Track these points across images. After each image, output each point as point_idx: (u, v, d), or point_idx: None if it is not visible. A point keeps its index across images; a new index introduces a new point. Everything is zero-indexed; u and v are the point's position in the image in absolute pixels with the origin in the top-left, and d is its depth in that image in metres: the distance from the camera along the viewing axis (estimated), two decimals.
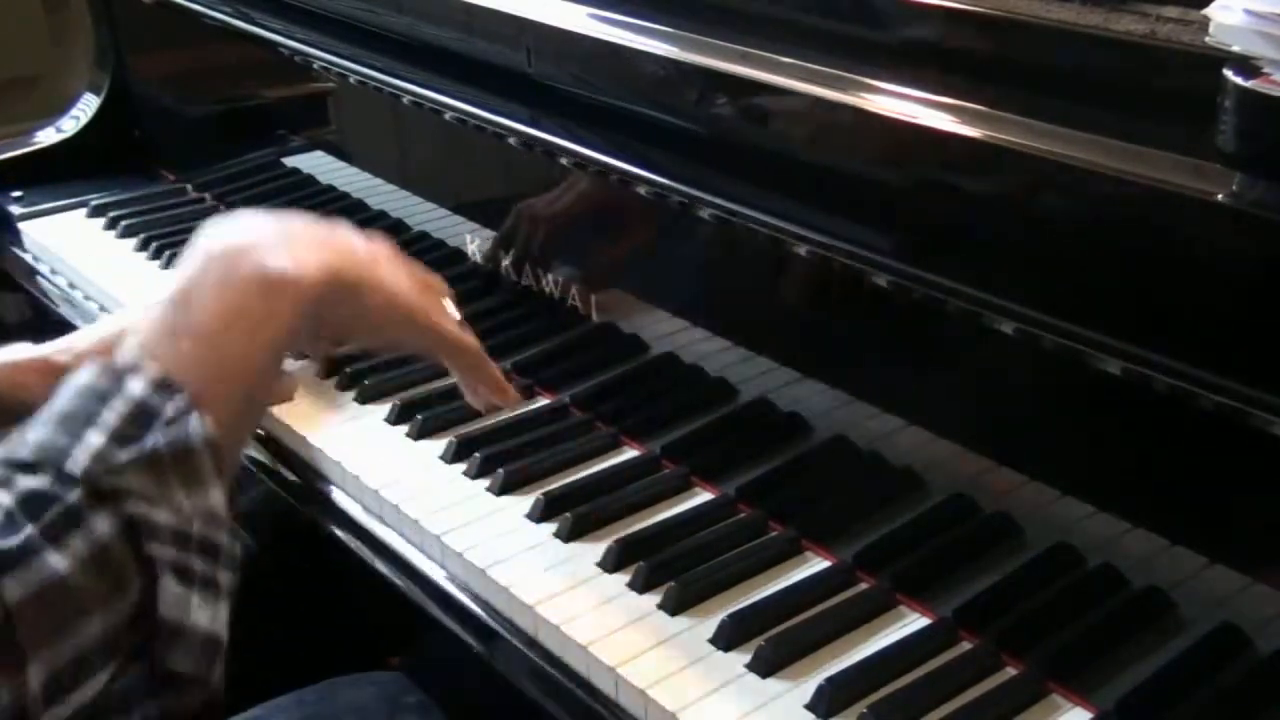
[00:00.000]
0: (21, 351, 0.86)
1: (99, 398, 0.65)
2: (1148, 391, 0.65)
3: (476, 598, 0.85)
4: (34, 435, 0.64)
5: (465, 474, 0.94)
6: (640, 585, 0.82)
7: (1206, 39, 0.62)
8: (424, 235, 1.17)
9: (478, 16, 1.01)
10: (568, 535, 0.87)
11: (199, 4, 1.34)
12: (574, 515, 0.87)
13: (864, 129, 0.76)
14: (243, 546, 0.69)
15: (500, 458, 0.94)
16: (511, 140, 1.01)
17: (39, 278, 1.36)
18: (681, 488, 0.92)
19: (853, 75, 0.77)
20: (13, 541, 0.59)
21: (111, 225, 1.40)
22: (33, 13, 2.46)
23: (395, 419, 1.01)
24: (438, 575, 0.87)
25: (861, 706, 0.71)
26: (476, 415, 1.00)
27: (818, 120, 0.78)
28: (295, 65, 1.23)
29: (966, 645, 0.76)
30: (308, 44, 1.21)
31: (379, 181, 1.23)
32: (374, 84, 1.13)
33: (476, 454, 0.95)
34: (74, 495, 0.61)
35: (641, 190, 0.91)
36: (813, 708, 0.72)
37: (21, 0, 2.44)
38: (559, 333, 1.04)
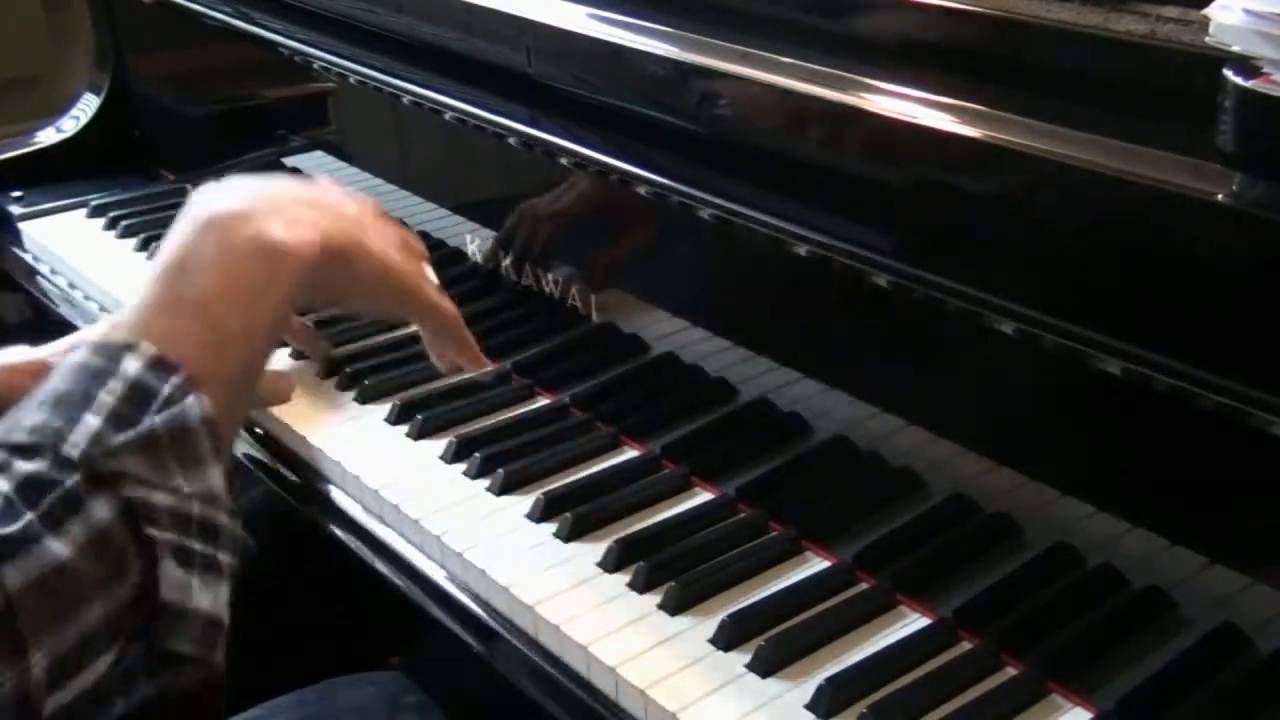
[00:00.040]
0: (19, 354, 0.86)
1: (95, 378, 0.65)
2: (1148, 391, 0.65)
3: (476, 598, 0.85)
4: (30, 418, 0.63)
5: (465, 474, 0.94)
6: (640, 585, 0.82)
7: (1206, 39, 0.62)
8: (424, 235, 1.17)
9: (478, 16, 1.01)
10: (568, 535, 0.87)
11: (199, 4, 1.34)
12: (574, 515, 0.87)
13: (864, 129, 0.76)
14: (243, 546, 0.68)
15: (500, 458, 0.94)
16: (511, 140, 1.01)
17: (39, 278, 1.36)
18: (681, 488, 0.92)
19: (853, 75, 0.77)
20: (12, 529, 0.59)
21: (111, 225, 1.40)
22: (33, 13, 2.46)
23: (395, 419, 1.01)
24: (438, 575, 0.87)
25: (861, 706, 0.71)
26: (477, 415, 1.01)
27: (818, 120, 0.78)
28: (295, 65, 1.23)
29: (966, 645, 0.76)
30: (308, 44, 1.21)
31: (379, 181, 1.23)
32: (374, 84, 1.13)
33: (476, 454, 0.95)
34: (72, 480, 0.61)
35: (641, 190, 0.91)
36: (813, 708, 0.72)
37: (21, 0, 2.44)
38: (559, 333, 1.04)
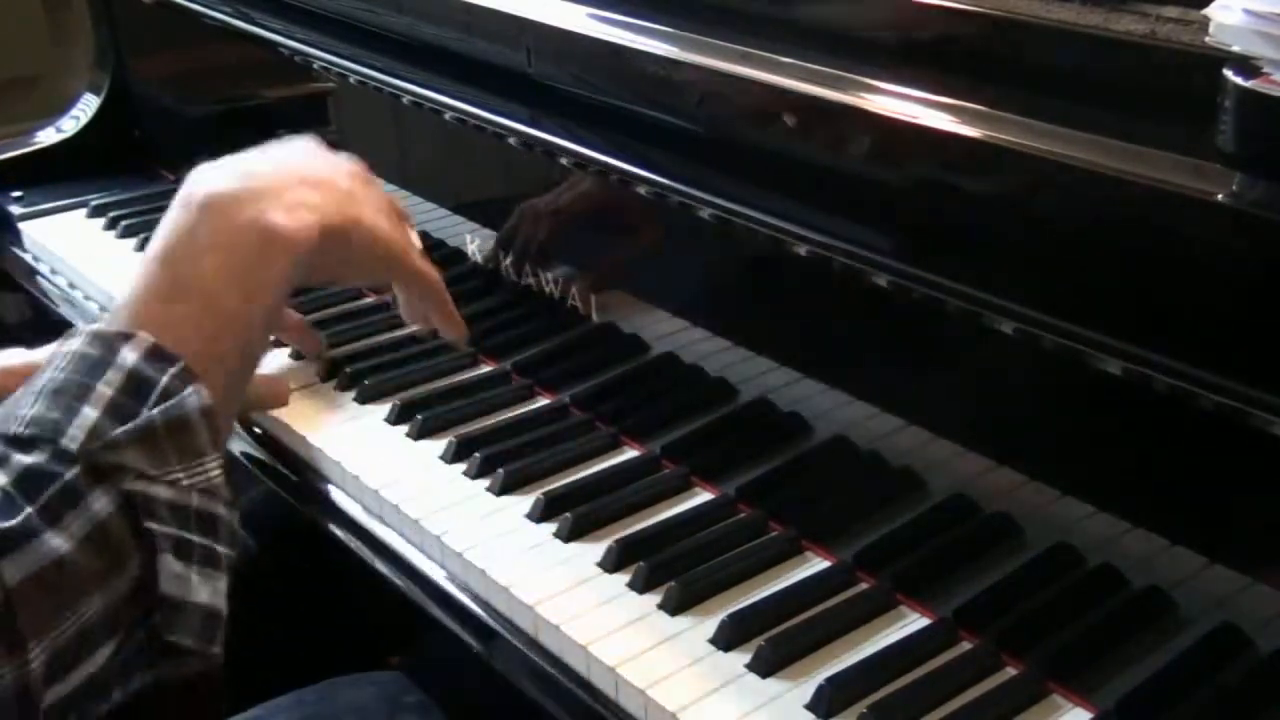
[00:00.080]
0: (15, 357, 0.86)
1: (93, 368, 0.64)
2: (1148, 391, 0.65)
3: (476, 598, 0.85)
4: (27, 409, 0.63)
5: (465, 474, 0.94)
6: (640, 585, 0.82)
7: (1206, 39, 0.62)
8: (424, 235, 1.17)
9: (478, 16, 1.01)
10: (568, 535, 0.87)
11: (199, 4, 1.34)
12: (574, 515, 0.87)
13: (864, 129, 0.76)
14: (243, 546, 0.68)
15: (500, 458, 0.94)
16: (511, 140, 1.01)
17: (39, 278, 1.36)
18: (681, 488, 0.92)
19: (853, 75, 0.77)
20: (11, 523, 0.59)
21: (111, 225, 1.40)
22: (33, 13, 2.46)
23: (395, 419, 1.01)
24: (438, 575, 0.87)
25: (861, 706, 0.71)
26: (477, 415, 1.01)
27: (818, 120, 0.78)
28: (295, 65, 1.23)
29: (966, 645, 0.76)
30: (308, 44, 1.21)
31: (379, 181, 1.23)
32: (374, 84, 1.13)
33: (476, 454, 0.95)
34: (71, 473, 0.61)
35: (641, 190, 0.91)
36: (813, 708, 0.72)
37: (21, 0, 2.44)
38: (559, 333, 1.04)
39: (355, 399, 1.04)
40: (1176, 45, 0.64)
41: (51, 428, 0.62)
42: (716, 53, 0.84)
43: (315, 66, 1.21)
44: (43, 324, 1.33)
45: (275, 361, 1.08)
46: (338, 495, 0.96)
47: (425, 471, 0.95)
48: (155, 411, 0.64)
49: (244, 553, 0.68)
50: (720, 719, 0.72)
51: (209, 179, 0.75)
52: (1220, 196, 0.59)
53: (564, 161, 0.97)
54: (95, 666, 0.61)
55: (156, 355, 0.66)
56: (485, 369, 1.08)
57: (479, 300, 1.09)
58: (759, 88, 0.80)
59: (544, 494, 0.90)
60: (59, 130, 1.57)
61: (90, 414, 0.62)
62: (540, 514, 0.89)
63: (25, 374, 0.80)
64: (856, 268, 0.77)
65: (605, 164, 0.93)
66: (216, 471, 0.66)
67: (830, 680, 0.73)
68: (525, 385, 1.04)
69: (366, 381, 1.05)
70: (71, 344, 0.67)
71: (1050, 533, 0.76)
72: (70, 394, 0.63)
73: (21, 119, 1.71)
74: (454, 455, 0.96)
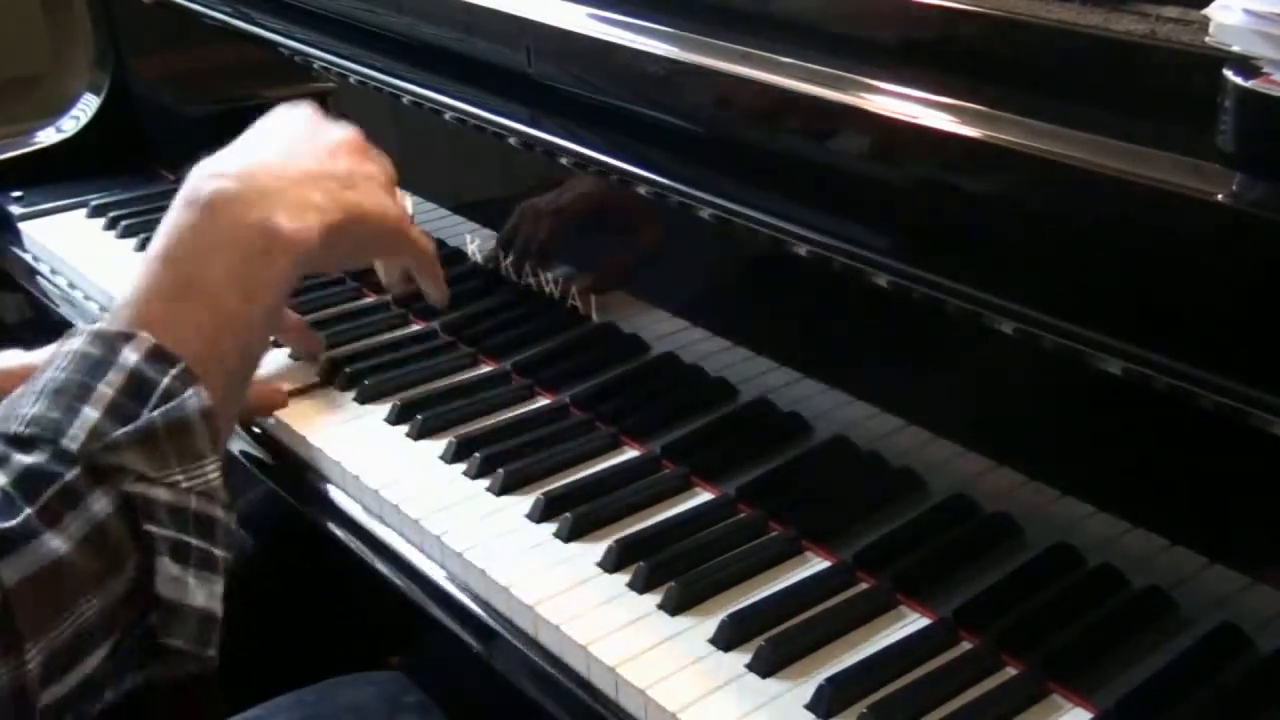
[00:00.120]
0: (13, 359, 0.86)
1: (94, 368, 0.64)
2: (1148, 391, 0.65)
3: (476, 598, 0.85)
4: (28, 408, 0.63)
5: (465, 474, 0.94)
6: (640, 585, 0.82)
7: (1206, 39, 0.62)
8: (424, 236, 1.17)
9: (478, 16, 1.01)
10: (568, 535, 0.87)
11: (199, 4, 1.34)
12: (574, 515, 0.87)
13: (864, 129, 0.76)
14: (243, 546, 0.68)
15: (500, 458, 0.94)
16: (511, 140, 1.01)
17: (39, 278, 1.36)
18: (681, 488, 0.92)
19: (853, 75, 0.77)
20: (10, 524, 0.59)
21: (111, 225, 1.40)
22: (33, 13, 2.46)
23: (395, 419, 1.01)
24: (438, 575, 0.87)
25: (861, 706, 0.71)
26: (477, 415, 1.01)
27: (818, 120, 0.78)
28: (295, 65, 1.23)
29: (966, 645, 0.76)
30: (308, 44, 1.21)
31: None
32: (374, 84, 1.13)
33: (476, 454, 0.95)
34: (71, 474, 0.61)
35: (641, 190, 0.91)
36: (813, 708, 0.72)
37: (21, 0, 2.44)
38: (559, 333, 1.04)
39: (355, 399, 1.04)
40: (1176, 45, 0.64)
41: (52, 428, 0.62)
42: (716, 53, 0.84)
43: (315, 66, 1.21)
44: (43, 324, 1.33)
45: (274, 362, 1.08)
46: (338, 495, 0.96)
47: (425, 471, 0.95)
48: (156, 413, 0.64)
49: (244, 553, 0.68)
50: (720, 719, 0.72)
51: (212, 178, 0.75)
52: (1220, 196, 0.59)
53: (564, 161, 0.97)
54: (91, 668, 0.61)
55: (157, 356, 0.65)
56: (485, 369, 1.08)
57: (479, 300, 1.09)
58: (759, 88, 0.80)
59: (544, 494, 0.90)
60: (59, 130, 1.57)
61: (91, 414, 0.62)
62: (540, 514, 0.89)
63: (23, 376, 0.80)
64: (856, 268, 0.77)
65: (605, 164, 0.93)
66: (215, 474, 0.66)
67: (830, 680, 0.73)
68: (525, 385, 1.04)
69: (366, 381, 1.05)
70: (73, 343, 0.66)
71: (1050, 533, 0.76)
72: (71, 394, 0.63)
73: (21, 119, 1.72)
74: (454, 455, 0.96)
